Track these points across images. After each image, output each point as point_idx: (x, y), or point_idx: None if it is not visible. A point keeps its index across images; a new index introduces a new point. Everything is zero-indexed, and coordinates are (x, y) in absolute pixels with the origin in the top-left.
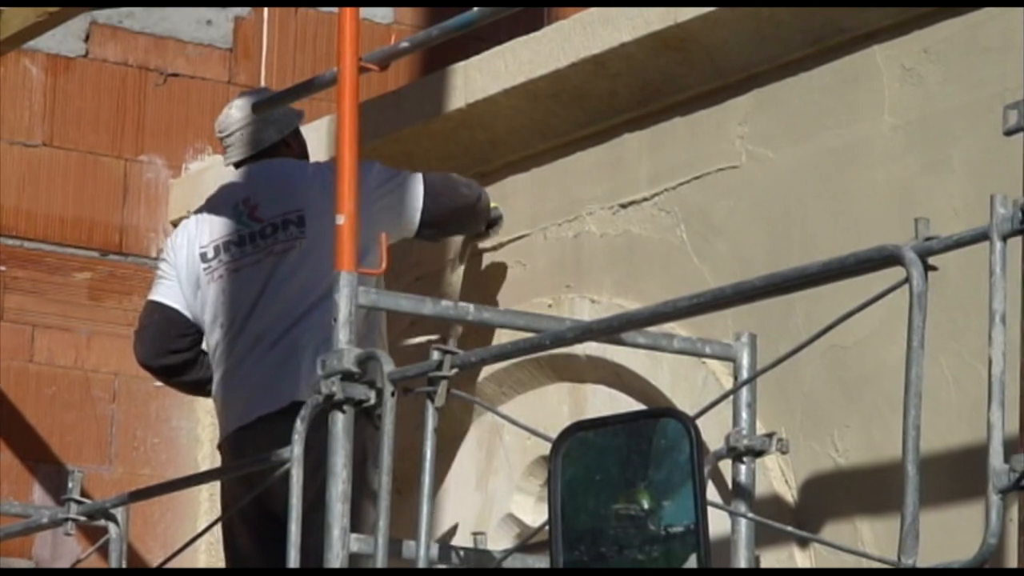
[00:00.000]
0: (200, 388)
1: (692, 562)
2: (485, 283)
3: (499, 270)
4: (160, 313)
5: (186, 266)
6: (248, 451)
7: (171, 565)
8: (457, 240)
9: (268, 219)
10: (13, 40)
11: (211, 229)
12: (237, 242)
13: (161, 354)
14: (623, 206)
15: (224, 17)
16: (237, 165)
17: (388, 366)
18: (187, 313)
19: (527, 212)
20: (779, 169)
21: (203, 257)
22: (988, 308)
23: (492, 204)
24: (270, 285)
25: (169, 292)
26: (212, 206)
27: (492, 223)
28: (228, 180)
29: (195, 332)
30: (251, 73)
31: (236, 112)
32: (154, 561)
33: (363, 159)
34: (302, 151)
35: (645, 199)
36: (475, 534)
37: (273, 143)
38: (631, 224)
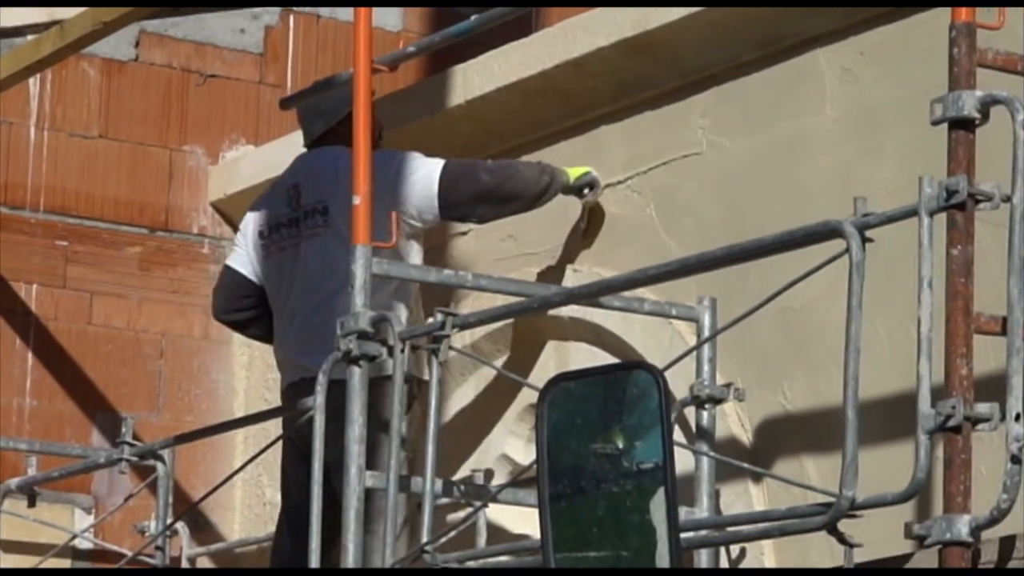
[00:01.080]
0: (267, 340)
1: (660, 494)
2: (482, 256)
3: (494, 244)
4: (229, 276)
5: (252, 239)
6: (294, 404)
7: (210, 500)
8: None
9: (304, 206)
10: (73, 46)
11: (269, 210)
12: (285, 224)
13: (228, 311)
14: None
15: (255, 26)
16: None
17: (398, 327)
18: (252, 277)
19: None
20: (736, 155)
21: (260, 235)
22: (917, 275)
23: (584, 170)
24: (299, 267)
25: (238, 259)
26: (275, 188)
27: (582, 187)
28: (291, 164)
29: (259, 294)
30: (279, 74)
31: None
32: (196, 495)
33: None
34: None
35: (620, 182)
36: (474, 471)
37: (321, 133)
38: (608, 203)
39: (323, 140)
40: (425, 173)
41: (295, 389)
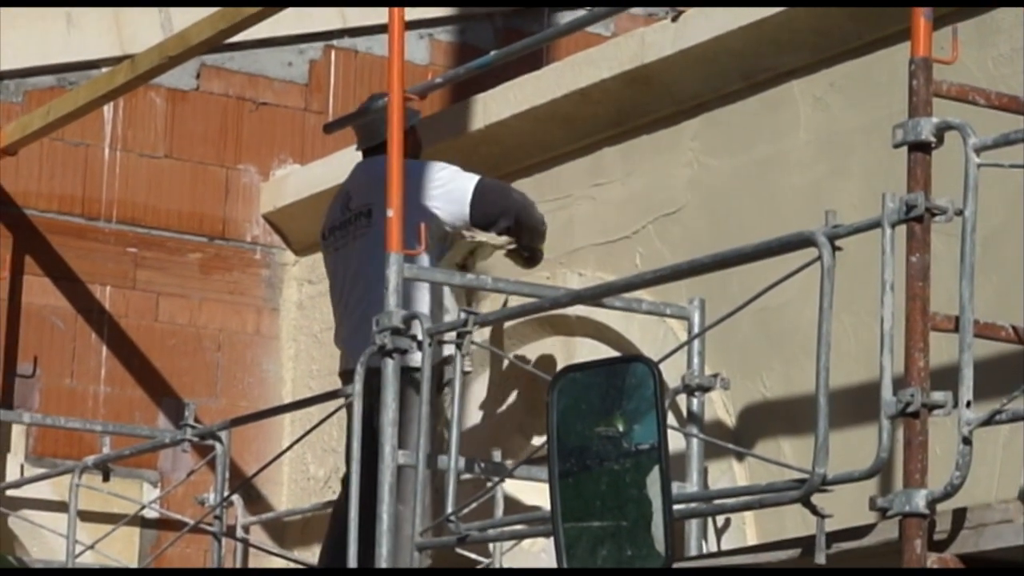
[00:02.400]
0: None
1: (655, 471)
2: (501, 262)
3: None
4: None
5: (321, 242)
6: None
7: (261, 475)
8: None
9: (354, 209)
10: (142, 77)
11: (330, 215)
12: (339, 227)
13: None
14: (603, 202)
15: (301, 60)
16: (363, 153)
17: (426, 323)
18: None
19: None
20: (721, 174)
21: (323, 236)
22: (880, 279)
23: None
24: (349, 264)
25: None
26: (336, 196)
27: (534, 255)
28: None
29: None
30: (322, 103)
31: (366, 107)
32: (250, 470)
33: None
34: (414, 147)
35: (620, 197)
36: (492, 450)
37: (382, 140)
38: (609, 216)
39: (379, 149)
40: (460, 184)
41: (346, 377)
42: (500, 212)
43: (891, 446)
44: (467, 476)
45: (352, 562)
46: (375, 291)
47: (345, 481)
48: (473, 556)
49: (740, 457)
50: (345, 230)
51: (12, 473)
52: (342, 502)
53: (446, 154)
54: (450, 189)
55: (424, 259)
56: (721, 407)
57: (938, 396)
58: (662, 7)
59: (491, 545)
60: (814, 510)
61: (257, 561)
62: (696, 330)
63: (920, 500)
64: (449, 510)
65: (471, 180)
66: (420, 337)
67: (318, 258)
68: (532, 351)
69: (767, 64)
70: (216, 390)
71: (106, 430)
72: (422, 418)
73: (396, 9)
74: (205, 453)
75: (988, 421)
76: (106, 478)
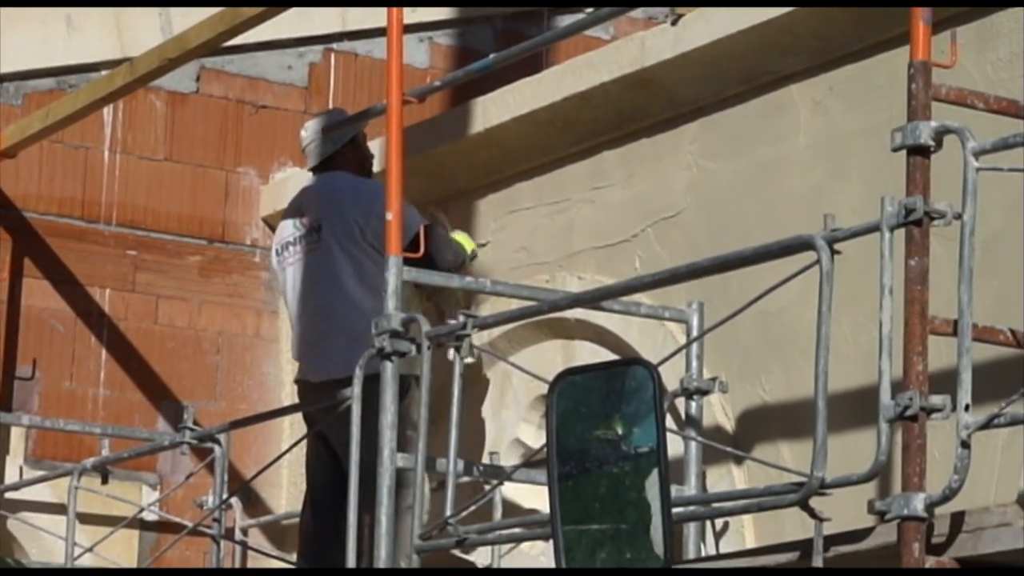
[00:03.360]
0: None
1: (654, 475)
2: (499, 265)
3: (509, 255)
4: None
5: (274, 259)
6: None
7: (260, 478)
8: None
9: (306, 226)
10: (142, 80)
11: (281, 232)
12: (292, 243)
13: None
14: (603, 206)
15: (301, 63)
16: (313, 171)
17: (425, 326)
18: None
19: (530, 211)
20: (720, 177)
21: (276, 253)
22: (879, 283)
23: (471, 247)
24: (301, 279)
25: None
26: (286, 211)
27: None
28: (302, 187)
29: None
30: (322, 105)
31: (305, 131)
32: (248, 473)
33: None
34: (358, 158)
35: (620, 200)
36: (491, 453)
37: (329, 155)
38: (609, 219)
39: (330, 161)
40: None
41: (302, 387)
42: (447, 260)
43: (889, 449)
44: (465, 479)
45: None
46: (329, 304)
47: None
48: (469, 559)
49: (739, 460)
50: (297, 246)
51: (11, 475)
52: (307, 519)
53: (445, 158)
54: (373, 220)
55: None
56: (720, 410)
57: (936, 400)
58: (664, 6)
59: (490, 548)
60: (812, 513)
61: (256, 564)
62: (695, 333)
63: (918, 504)
64: (448, 513)
65: (415, 225)
66: (419, 340)
67: None
68: (531, 354)
69: (766, 68)
70: (215, 393)
71: (105, 433)
72: (420, 422)
73: (395, 10)
74: (204, 456)
75: (986, 425)
76: (105, 480)
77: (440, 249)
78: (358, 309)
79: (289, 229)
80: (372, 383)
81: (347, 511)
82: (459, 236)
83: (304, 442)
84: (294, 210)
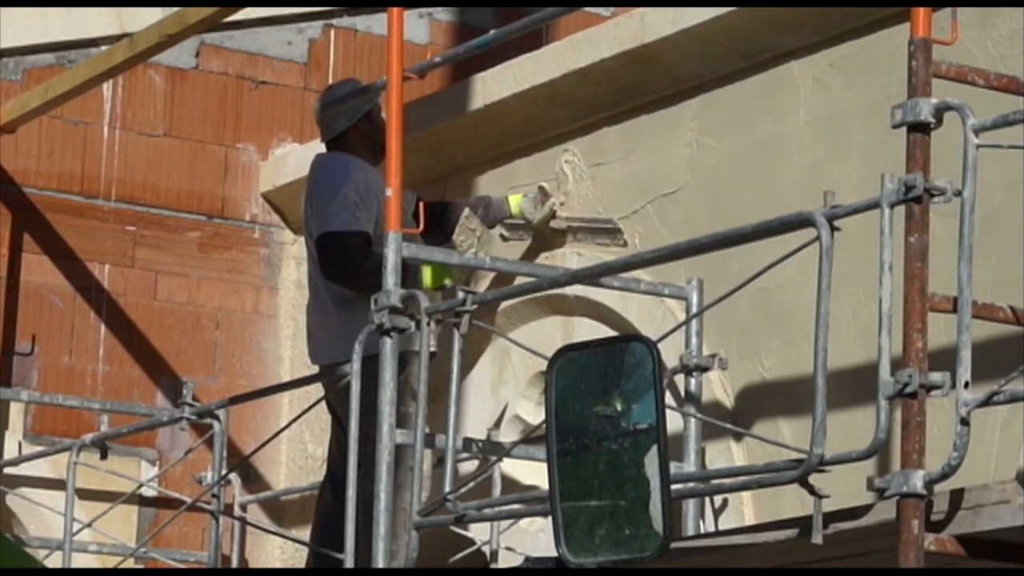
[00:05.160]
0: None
1: (653, 451)
2: (498, 241)
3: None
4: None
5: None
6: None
7: (259, 454)
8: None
9: (305, 208)
10: (141, 56)
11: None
12: (304, 223)
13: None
14: (602, 182)
15: (301, 39)
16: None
17: (424, 303)
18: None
19: (530, 187)
20: (721, 154)
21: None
22: (879, 260)
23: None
24: (307, 264)
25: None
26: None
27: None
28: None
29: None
30: (321, 82)
31: (318, 101)
32: (247, 449)
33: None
34: (372, 133)
35: (619, 177)
36: (490, 429)
37: (343, 130)
38: (609, 195)
39: (342, 136)
40: (321, 220)
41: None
42: (331, 272)
43: (889, 427)
44: (464, 456)
45: (350, 542)
46: (315, 294)
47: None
48: (468, 535)
49: (738, 437)
50: (307, 228)
51: (10, 451)
52: (324, 493)
53: (445, 134)
54: (318, 211)
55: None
56: (719, 387)
57: (936, 377)
58: None
59: (489, 524)
60: (811, 490)
61: (255, 539)
62: (694, 310)
63: (918, 481)
64: (447, 489)
65: (325, 225)
66: (418, 316)
67: None
68: (530, 331)
69: (767, 44)
70: (214, 369)
71: (104, 408)
72: (420, 398)
73: None
74: (203, 432)
75: (986, 402)
76: (104, 456)
77: (334, 256)
78: (335, 302)
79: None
80: (370, 361)
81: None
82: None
83: (304, 417)
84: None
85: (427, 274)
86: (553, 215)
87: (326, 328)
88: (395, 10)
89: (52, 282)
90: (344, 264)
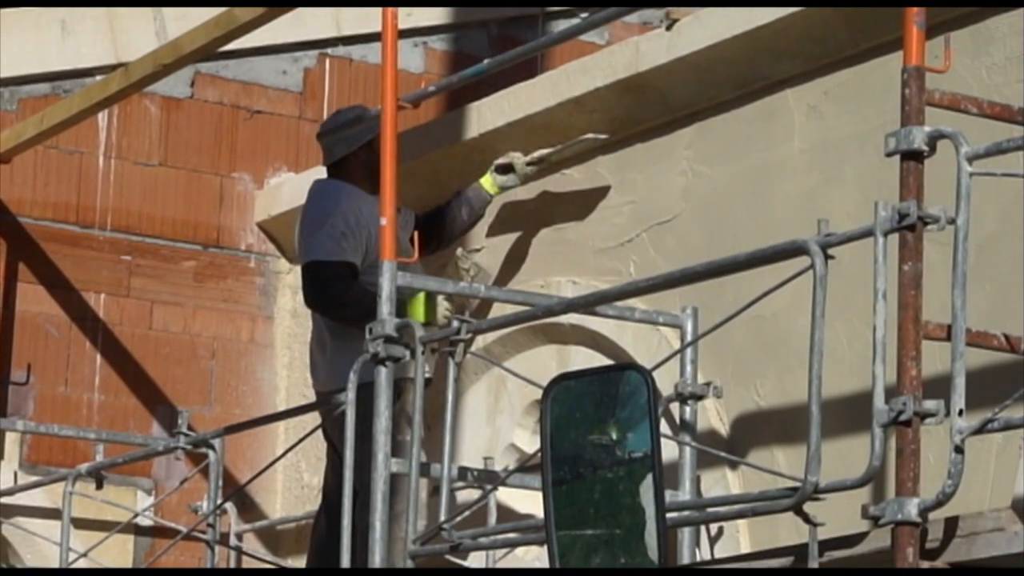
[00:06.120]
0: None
1: (648, 479)
2: (493, 270)
3: (504, 259)
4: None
5: None
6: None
7: (255, 483)
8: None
9: (297, 235)
10: (137, 85)
11: None
12: (297, 251)
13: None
14: (598, 211)
15: (296, 68)
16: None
17: (419, 332)
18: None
19: (524, 216)
20: (715, 182)
21: None
22: (873, 287)
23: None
24: None
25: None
26: None
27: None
28: None
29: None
30: (316, 111)
31: (321, 126)
32: (243, 478)
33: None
34: (371, 161)
35: (614, 206)
36: (485, 458)
37: (342, 156)
38: (603, 224)
39: (342, 162)
40: (304, 246)
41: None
42: (310, 301)
43: (883, 454)
44: (460, 484)
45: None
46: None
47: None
48: (464, 564)
49: (733, 465)
50: None
51: (6, 480)
52: (320, 522)
53: (440, 163)
54: (305, 239)
55: None
56: (715, 415)
57: (930, 405)
58: (660, 7)
59: (485, 553)
60: (807, 518)
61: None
62: (689, 338)
63: (912, 508)
64: (442, 518)
65: (309, 254)
66: (413, 345)
67: None
68: (526, 359)
69: (761, 73)
70: (210, 398)
71: (100, 438)
72: (415, 426)
73: (390, 13)
74: (199, 461)
75: (980, 430)
76: (99, 486)
77: (315, 285)
78: (330, 329)
79: None
80: (365, 390)
81: (355, 517)
82: (418, 302)
83: (300, 446)
84: None
85: (419, 309)
86: (530, 163)
87: (323, 355)
88: (389, 39)
89: (48, 311)
90: (323, 293)
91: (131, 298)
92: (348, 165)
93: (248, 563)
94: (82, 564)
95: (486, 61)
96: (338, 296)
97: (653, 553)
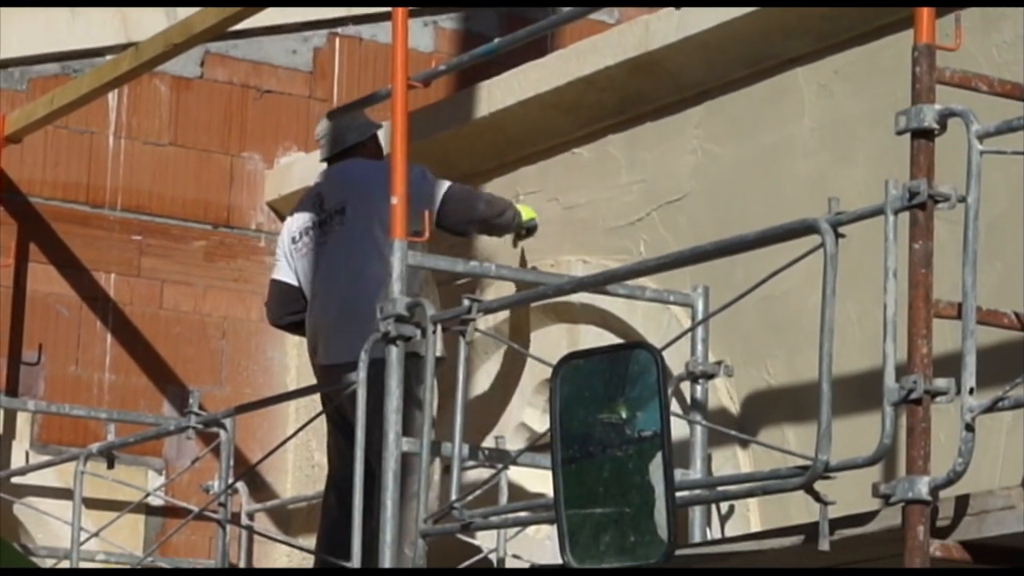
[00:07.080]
0: None
1: (658, 458)
2: (503, 248)
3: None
4: (277, 288)
5: (287, 247)
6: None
7: (266, 462)
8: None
9: (327, 210)
10: (147, 65)
11: (300, 218)
12: (312, 227)
13: (282, 316)
14: (608, 190)
15: (306, 47)
16: (327, 162)
17: (430, 311)
18: (295, 283)
19: (534, 195)
20: (725, 161)
21: (293, 240)
22: (883, 266)
23: (530, 216)
24: (328, 261)
25: (282, 271)
26: (302, 201)
27: (527, 231)
28: (315, 179)
29: (304, 297)
30: (326, 90)
31: (326, 120)
32: (254, 458)
33: (413, 162)
34: (378, 152)
35: (624, 185)
36: (496, 437)
37: (352, 144)
38: (613, 203)
39: (351, 151)
40: (429, 189)
41: (327, 371)
42: (467, 221)
43: (894, 433)
44: (471, 463)
45: (356, 549)
46: (357, 283)
47: (331, 482)
48: (475, 543)
49: (744, 444)
50: (320, 230)
51: (17, 460)
52: (331, 504)
53: (450, 142)
54: (419, 191)
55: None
56: (725, 394)
57: (941, 383)
58: None
59: (496, 532)
60: (817, 497)
61: (262, 548)
62: (700, 317)
63: (923, 487)
64: (453, 497)
65: (441, 187)
66: (424, 324)
67: None
68: (536, 338)
69: (771, 51)
70: (220, 378)
71: (111, 418)
72: (426, 405)
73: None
74: (210, 441)
75: (991, 408)
76: (111, 465)
77: (455, 210)
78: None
79: (307, 216)
80: (377, 367)
81: (365, 495)
82: (521, 207)
83: (311, 425)
84: (314, 196)
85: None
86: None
87: (355, 323)
88: (400, 18)
89: (58, 291)
90: (485, 203)
91: (141, 278)
92: (357, 154)
93: (259, 542)
94: (93, 544)
95: (496, 40)
96: (492, 198)
97: (663, 532)
